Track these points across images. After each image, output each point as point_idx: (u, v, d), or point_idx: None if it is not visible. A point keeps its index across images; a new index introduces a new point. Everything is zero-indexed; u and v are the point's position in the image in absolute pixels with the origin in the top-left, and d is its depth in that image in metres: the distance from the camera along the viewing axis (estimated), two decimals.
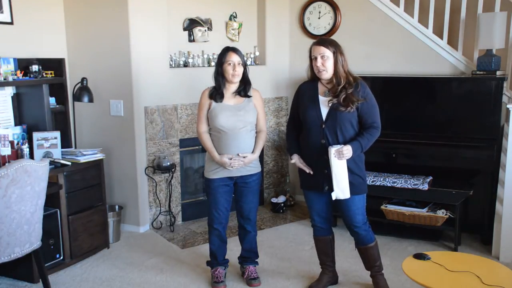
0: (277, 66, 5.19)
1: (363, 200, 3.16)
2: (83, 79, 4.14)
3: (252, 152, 3.32)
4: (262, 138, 3.39)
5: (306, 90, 3.18)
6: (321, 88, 3.12)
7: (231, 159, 3.24)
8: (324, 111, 3.05)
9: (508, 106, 3.77)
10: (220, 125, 3.24)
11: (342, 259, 3.72)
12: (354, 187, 3.06)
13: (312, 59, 3.07)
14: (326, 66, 3.00)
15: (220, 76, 3.27)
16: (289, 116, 3.39)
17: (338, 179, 3.00)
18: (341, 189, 3.01)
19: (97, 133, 4.48)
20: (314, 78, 3.15)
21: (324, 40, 3.09)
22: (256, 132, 3.39)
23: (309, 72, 3.16)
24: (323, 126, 3.03)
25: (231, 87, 3.30)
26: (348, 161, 3.02)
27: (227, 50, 3.26)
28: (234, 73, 3.23)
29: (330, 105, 3.03)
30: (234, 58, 3.22)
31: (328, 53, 2.99)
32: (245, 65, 3.29)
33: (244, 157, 3.27)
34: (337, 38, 3.27)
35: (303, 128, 3.19)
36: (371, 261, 3.25)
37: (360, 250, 3.27)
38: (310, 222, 3.38)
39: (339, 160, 2.96)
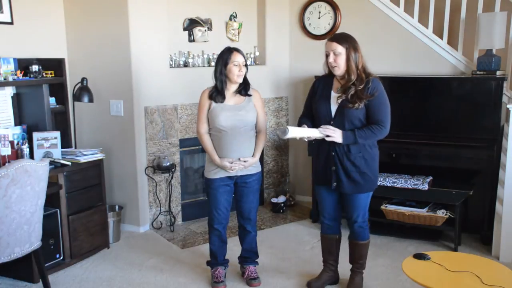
0: (277, 66, 5.18)
1: (367, 198, 3.18)
2: (83, 79, 4.14)
3: (253, 155, 3.33)
4: (261, 139, 3.39)
5: (321, 85, 3.17)
6: (335, 84, 3.11)
7: (231, 162, 3.24)
8: (334, 108, 3.05)
9: (508, 106, 3.77)
10: (220, 125, 3.24)
11: (344, 260, 3.71)
12: (361, 186, 3.08)
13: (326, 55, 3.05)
14: (338, 63, 2.98)
15: (223, 76, 3.25)
16: (303, 109, 3.33)
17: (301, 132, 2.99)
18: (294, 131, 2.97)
19: (97, 133, 4.48)
20: (330, 74, 3.13)
21: (338, 36, 3.05)
22: (256, 132, 3.39)
23: (326, 67, 3.14)
24: (332, 122, 3.03)
25: (232, 87, 3.30)
26: (356, 159, 3.04)
27: (231, 50, 3.24)
28: (240, 74, 3.22)
29: (339, 102, 3.03)
30: (239, 58, 3.21)
31: (340, 49, 2.97)
32: (246, 65, 3.29)
33: (244, 161, 3.27)
34: None
35: (315, 122, 3.17)
36: (356, 256, 3.29)
37: (351, 243, 3.31)
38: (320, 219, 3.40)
39: (319, 133, 2.96)
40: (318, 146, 3.16)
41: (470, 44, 4.39)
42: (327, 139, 2.98)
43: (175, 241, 4.28)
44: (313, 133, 3.00)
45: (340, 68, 3.00)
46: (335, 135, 2.96)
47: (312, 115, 3.21)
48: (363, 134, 2.99)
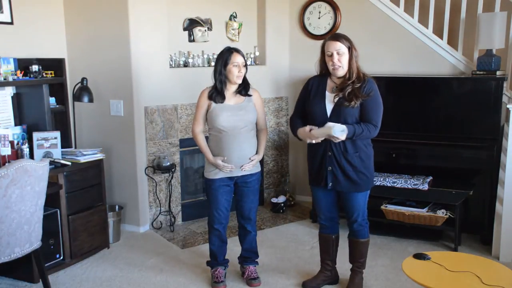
0: (277, 66, 5.18)
1: (365, 197, 3.18)
2: (83, 79, 4.14)
3: (257, 152, 3.34)
4: (264, 137, 3.41)
5: (315, 85, 3.16)
6: (330, 84, 3.10)
7: (223, 161, 3.24)
8: (329, 107, 3.04)
9: (508, 106, 3.78)
10: (221, 125, 3.24)
11: (345, 260, 3.71)
12: (358, 185, 3.09)
13: (325, 55, 3.02)
14: (342, 62, 2.98)
15: (223, 77, 3.24)
16: (294, 108, 3.33)
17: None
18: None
19: (97, 133, 4.48)
20: (324, 73, 3.13)
21: (340, 35, 3.04)
22: (257, 131, 3.39)
23: (318, 66, 3.13)
24: (327, 122, 3.01)
25: (232, 87, 3.29)
26: (353, 158, 3.04)
27: (231, 51, 3.23)
28: (239, 75, 3.22)
29: (335, 100, 3.02)
30: (239, 59, 3.21)
31: (344, 48, 2.97)
32: (246, 66, 3.29)
33: (252, 160, 3.29)
34: None
35: (308, 123, 3.17)
36: (357, 255, 3.30)
37: (351, 241, 3.32)
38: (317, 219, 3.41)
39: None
40: (313, 147, 3.15)
41: (470, 44, 4.39)
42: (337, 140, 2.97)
43: (175, 241, 4.28)
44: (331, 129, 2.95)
45: (343, 68, 2.99)
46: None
47: (303, 114, 3.21)
48: (360, 130, 2.98)
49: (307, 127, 3.06)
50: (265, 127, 3.44)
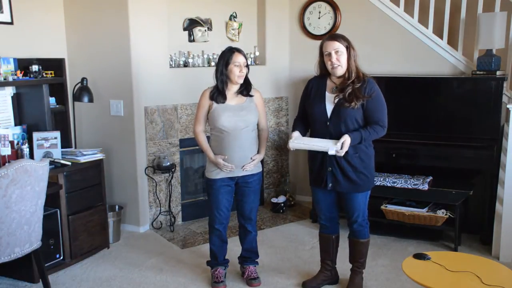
0: (277, 66, 5.18)
1: (365, 197, 3.18)
2: (83, 79, 4.14)
3: (258, 152, 3.35)
4: (265, 137, 3.42)
5: (315, 86, 3.16)
6: (329, 84, 3.10)
7: (224, 160, 3.24)
8: (329, 108, 3.04)
9: (508, 106, 3.78)
10: (222, 125, 3.24)
11: (345, 260, 3.71)
12: (358, 185, 3.09)
13: (324, 55, 3.02)
14: (341, 61, 2.97)
15: (224, 77, 3.24)
16: (297, 111, 3.34)
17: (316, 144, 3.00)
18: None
19: (97, 133, 4.48)
20: (323, 74, 3.13)
21: (337, 35, 3.05)
22: (258, 131, 3.40)
23: (318, 68, 3.14)
24: (328, 123, 3.02)
25: (233, 87, 3.29)
26: (353, 159, 3.04)
27: (233, 51, 3.23)
28: (241, 75, 3.21)
29: (336, 101, 3.01)
30: (240, 59, 3.20)
31: (342, 48, 2.97)
32: (247, 66, 3.29)
33: (253, 159, 3.29)
34: None
35: (310, 124, 3.19)
36: (356, 255, 3.30)
37: (351, 241, 3.32)
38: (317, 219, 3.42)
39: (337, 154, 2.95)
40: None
41: (470, 44, 4.39)
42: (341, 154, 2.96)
43: (175, 241, 4.28)
44: (322, 148, 2.98)
45: (342, 67, 2.99)
46: (348, 146, 2.94)
47: (306, 116, 3.21)
48: (367, 134, 2.99)
49: (295, 133, 3.14)
50: (266, 127, 3.44)
